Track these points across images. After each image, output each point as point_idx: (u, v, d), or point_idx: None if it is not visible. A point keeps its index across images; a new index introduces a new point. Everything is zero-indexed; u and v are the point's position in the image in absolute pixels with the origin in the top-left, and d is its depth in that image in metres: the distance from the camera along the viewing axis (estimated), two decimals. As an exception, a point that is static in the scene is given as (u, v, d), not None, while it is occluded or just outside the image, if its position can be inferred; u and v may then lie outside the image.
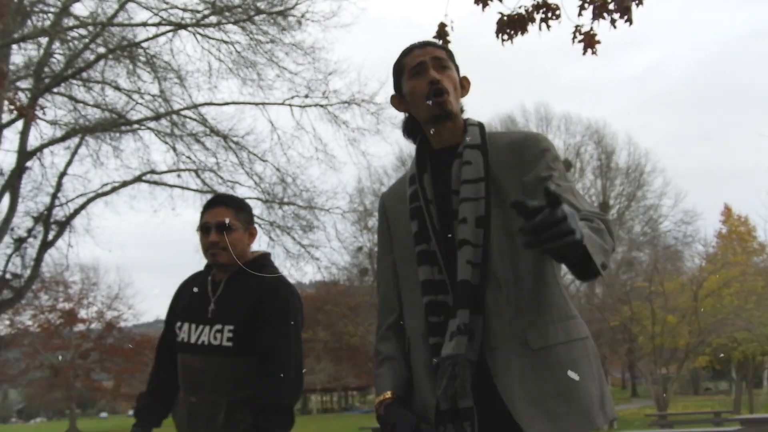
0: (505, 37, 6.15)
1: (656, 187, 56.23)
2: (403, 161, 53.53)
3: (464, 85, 2.48)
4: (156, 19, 16.67)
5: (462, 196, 2.26)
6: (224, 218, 3.24)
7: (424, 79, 2.36)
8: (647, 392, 43.16)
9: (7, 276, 17.23)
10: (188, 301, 3.35)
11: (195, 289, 3.34)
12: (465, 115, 2.47)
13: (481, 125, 2.42)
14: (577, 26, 6.23)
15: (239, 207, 3.34)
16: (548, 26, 6.11)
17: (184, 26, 16.64)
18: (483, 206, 2.23)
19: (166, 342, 3.42)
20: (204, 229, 3.26)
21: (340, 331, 51.50)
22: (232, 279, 3.27)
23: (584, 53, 6.14)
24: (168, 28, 16.75)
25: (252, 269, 3.27)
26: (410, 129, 2.52)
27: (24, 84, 16.91)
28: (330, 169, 20.92)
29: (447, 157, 2.37)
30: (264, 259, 3.38)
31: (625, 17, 5.99)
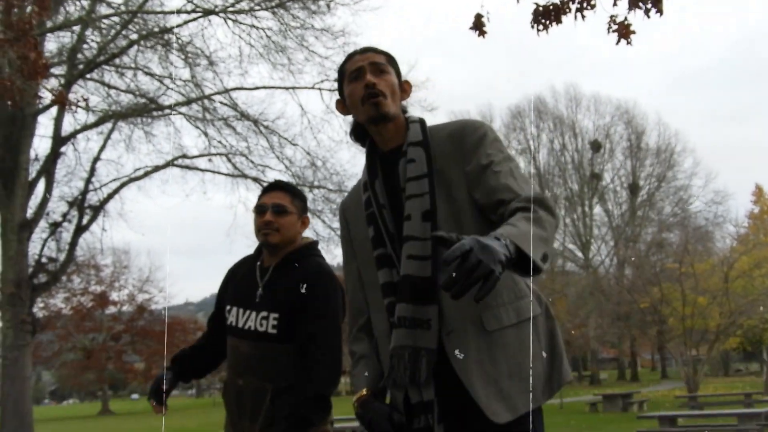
0: (540, 27, 6.16)
1: (686, 167, 55.84)
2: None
3: (405, 88, 2.55)
4: (188, 6, 16.79)
5: (408, 194, 2.34)
6: (281, 201, 3.38)
7: (361, 83, 2.43)
8: (677, 374, 43.03)
9: (43, 260, 17.51)
10: (238, 285, 3.48)
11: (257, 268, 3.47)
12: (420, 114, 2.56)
13: (422, 121, 2.49)
14: (612, 16, 6.22)
15: (295, 194, 3.49)
16: (583, 16, 6.10)
17: (216, 12, 16.73)
18: (428, 201, 2.31)
19: (216, 320, 3.58)
20: (260, 209, 3.39)
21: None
22: (280, 266, 3.38)
23: (618, 43, 6.14)
24: (199, 14, 16.86)
25: (299, 256, 3.39)
26: (357, 133, 2.61)
27: (58, 70, 17.13)
28: (359, 152, 20.93)
29: (394, 157, 2.45)
30: (312, 247, 3.50)
31: (656, 8, 5.97)
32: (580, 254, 54.72)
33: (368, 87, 2.41)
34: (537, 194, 2.19)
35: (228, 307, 3.44)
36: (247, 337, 3.30)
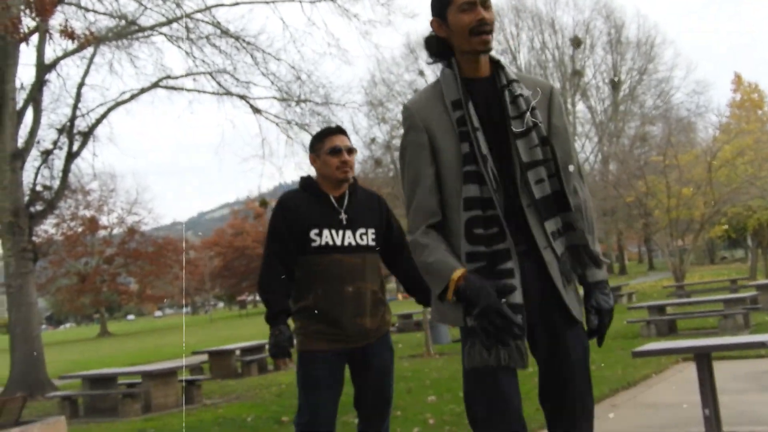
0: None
1: (667, 59, 56.03)
2: (411, 49, 53.06)
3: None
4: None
5: (529, 123, 2.66)
6: (350, 144, 4.11)
7: (474, 15, 2.64)
8: (664, 265, 43.91)
9: (38, 188, 17.65)
10: (315, 213, 4.04)
11: (334, 200, 4.09)
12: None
13: (504, 65, 2.80)
14: None
15: (348, 135, 4.18)
16: None
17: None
18: (542, 128, 2.67)
19: (293, 249, 4.03)
20: (336, 151, 4.05)
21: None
22: (352, 194, 4.13)
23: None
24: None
25: (356, 186, 4.20)
26: (439, 51, 2.79)
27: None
28: (344, 63, 20.99)
29: (485, 87, 2.72)
30: (357, 180, 4.25)
31: None
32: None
33: (483, 23, 2.64)
34: (580, 172, 2.80)
35: (316, 231, 4.00)
36: (351, 251, 4.02)
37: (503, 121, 2.68)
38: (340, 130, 4.17)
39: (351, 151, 4.10)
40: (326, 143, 4.10)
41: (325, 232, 4.00)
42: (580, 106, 56.91)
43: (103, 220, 63.93)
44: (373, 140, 51.19)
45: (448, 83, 2.72)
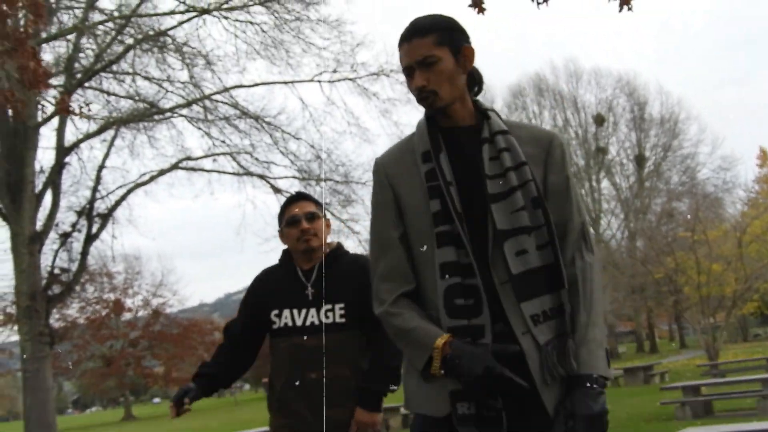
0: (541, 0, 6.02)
1: (692, 134, 55.53)
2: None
3: (466, 55, 2.41)
4: (182, 7, 16.71)
5: (515, 183, 2.31)
6: (309, 209, 3.71)
7: (412, 85, 2.38)
8: (696, 343, 42.93)
9: (56, 271, 17.52)
10: (280, 290, 3.69)
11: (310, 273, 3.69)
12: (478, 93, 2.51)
13: (495, 111, 2.48)
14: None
15: (316, 201, 3.80)
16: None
17: (209, 11, 16.65)
18: (534, 188, 2.31)
19: (243, 326, 3.76)
20: (294, 220, 3.69)
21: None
22: (331, 264, 3.69)
23: (620, 10, 6.02)
24: (193, 14, 16.77)
25: (336, 255, 3.74)
26: None
27: (56, 81, 17.10)
28: (364, 141, 20.97)
29: (464, 137, 2.41)
30: (341, 246, 3.83)
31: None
32: (590, 229, 54.59)
33: (419, 91, 2.36)
34: (583, 237, 2.40)
35: (276, 312, 3.65)
36: (314, 331, 3.55)
37: (480, 179, 2.33)
38: (300, 197, 3.82)
39: (313, 216, 3.70)
40: (285, 215, 3.76)
41: (285, 312, 3.64)
42: (605, 183, 56.60)
43: (128, 302, 63.87)
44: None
45: (420, 133, 2.43)
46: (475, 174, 2.34)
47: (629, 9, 6.05)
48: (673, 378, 24.58)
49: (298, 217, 3.68)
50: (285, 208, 3.79)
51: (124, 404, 68.69)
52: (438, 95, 2.36)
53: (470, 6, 5.29)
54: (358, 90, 18.60)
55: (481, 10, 5.33)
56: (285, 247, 3.84)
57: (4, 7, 5.17)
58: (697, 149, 55.17)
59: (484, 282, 2.25)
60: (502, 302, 2.24)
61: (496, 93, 53.29)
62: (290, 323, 3.61)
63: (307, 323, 3.58)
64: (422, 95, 2.36)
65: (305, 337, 3.56)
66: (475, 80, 2.49)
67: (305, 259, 3.70)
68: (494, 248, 2.27)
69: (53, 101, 6.28)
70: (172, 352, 63.46)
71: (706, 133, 58.59)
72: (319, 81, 18.22)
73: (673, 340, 72.56)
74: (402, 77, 18.72)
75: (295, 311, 3.62)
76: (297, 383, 3.54)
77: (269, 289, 3.73)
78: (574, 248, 2.36)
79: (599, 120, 55.21)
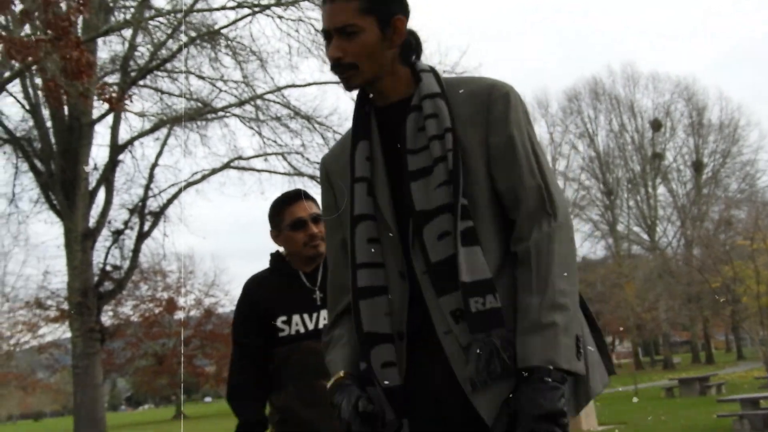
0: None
1: (752, 141, 54.44)
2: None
3: (397, 27, 2.03)
4: (231, 3, 16.72)
5: (435, 155, 1.94)
6: (315, 210, 3.40)
7: (329, 52, 2.04)
8: (754, 354, 41.94)
9: (108, 268, 17.66)
10: (284, 296, 3.39)
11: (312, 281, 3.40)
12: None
13: (434, 71, 2.09)
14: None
15: (315, 200, 3.47)
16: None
17: (267, 6, 16.54)
18: (451, 160, 1.91)
19: (260, 344, 3.39)
20: (300, 223, 3.38)
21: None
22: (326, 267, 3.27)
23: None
24: (246, 11, 16.76)
25: None
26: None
27: (112, 78, 17.25)
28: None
29: (395, 113, 2.04)
30: None
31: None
32: (645, 236, 53.71)
33: (333, 63, 2.02)
34: (541, 203, 1.92)
35: (284, 318, 3.36)
36: None
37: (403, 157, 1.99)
38: (301, 196, 3.48)
39: (317, 219, 3.38)
40: (286, 216, 3.42)
41: (295, 318, 3.34)
42: (661, 190, 55.66)
43: (181, 301, 64.50)
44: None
45: (354, 117, 2.11)
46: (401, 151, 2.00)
47: None
48: (731, 390, 23.95)
49: (305, 220, 3.38)
50: (284, 207, 3.45)
51: (175, 402, 69.52)
52: (357, 69, 2.00)
53: None
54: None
55: None
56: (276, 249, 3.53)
57: (49, -5, 5.12)
58: (757, 156, 54.07)
59: (403, 277, 1.96)
60: (424, 297, 1.92)
61: (551, 96, 52.81)
62: (302, 329, 3.34)
63: (320, 327, 3.30)
64: (337, 69, 2.02)
65: (318, 342, 3.32)
66: (411, 47, 2.10)
67: (306, 262, 3.41)
68: (415, 234, 1.94)
69: (107, 97, 6.23)
70: (223, 352, 63.93)
71: (767, 139, 57.31)
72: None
73: (730, 350, 71.11)
74: (455, 76, 18.63)
75: (306, 316, 3.34)
76: (309, 392, 3.28)
77: (270, 296, 3.42)
78: (529, 219, 1.91)
79: (656, 125, 54.35)
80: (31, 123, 16.93)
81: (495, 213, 1.96)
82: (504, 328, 1.83)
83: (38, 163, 16.91)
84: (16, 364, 41.91)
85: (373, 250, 1.97)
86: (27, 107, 16.45)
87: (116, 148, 17.46)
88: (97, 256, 17.34)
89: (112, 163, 17.45)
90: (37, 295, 30.22)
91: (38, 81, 12.28)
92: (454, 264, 1.86)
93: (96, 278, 17.01)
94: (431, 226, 1.91)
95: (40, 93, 13.51)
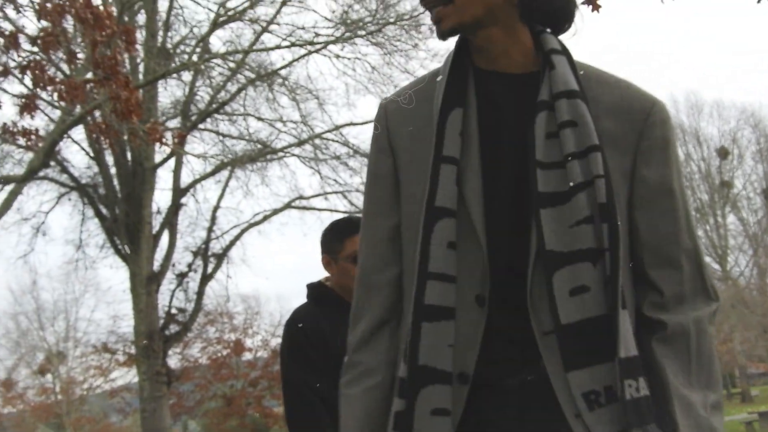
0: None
1: (825, 166, 52.90)
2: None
3: None
4: (288, 43, 16.86)
5: (574, 180, 1.43)
6: None
7: None
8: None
9: (173, 311, 17.79)
10: (340, 328, 3.10)
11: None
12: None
13: (567, 53, 1.52)
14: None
15: None
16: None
17: (326, 43, 16.62)
18: (604, 191, 1.41)
19: (315, 377, 3.04)
20: None
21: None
22: None
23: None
24: (302, 51, 16.88)
25: None
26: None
27: (173, 123, 17.52)
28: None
29: (506, 91, 1.52)
30: None
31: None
32: (717, 266, 52.40)
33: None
34: (700, 274, 1.53)
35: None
36: None
37: (524, 164, 1.46)
38: None
39: None
40: (347, 245, 3.09)
41: None
42: (731, 218, 54.41)
43: (248, 342, 64.85)
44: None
45: (444, 72, 1.55)
46: (517, 156, 1.47)
47: None
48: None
49: None
50: (346, 236, 3.13)
51: (242, 444, 69.70)
52: (453, 4, 1.47)
53: (583, 3, 4.84)
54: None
55: (596, 8, 4.84)
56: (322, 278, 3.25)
57: (96, 36, 5.16)
58: (831, 181, 52.60)
59: (482, 303, 1.46)
60: (546, 366, 1.43)
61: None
62: None
63: None
64: (426, 4, 1.52)
65: None
66: (540, 5, 1.52)
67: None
68: (535, 279, 1.43)
69: (157, 137, 6.28)
70: (291, 393, 63.89)
71: (840, 165, 55.69)
72: (430, 117, 18.02)
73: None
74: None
75: None
76: None
77: (325, 329, 3.08)
78: (683, 289, 1.49)
79: (723, 153, 53.32)
80: (95, 169, 17.22)
81: (627, 266, 1.49)
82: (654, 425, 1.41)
83: (103, 209, 17.17)
84: (89, 408, 42.40)
85: (451, 259, 1.44)
86: (91, 154, 16.75)
87: (179, 192, 17.65)
88: (162, 299, 17.51)
89: (175, 207, 17.63)
90: (105, 339, 30.66)
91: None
92: (593, 330, 1.40)
93: (161, 321, 17.13)
94: (563, 273, 1.41)
95: (102, 137, 13.78)
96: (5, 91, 10.64)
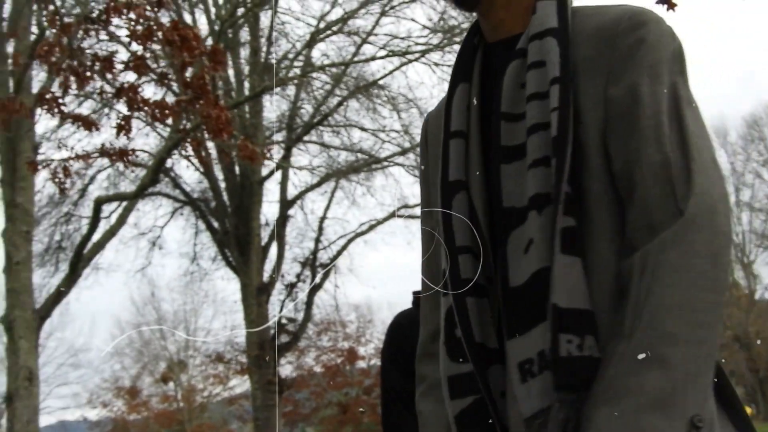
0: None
1: None
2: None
3: None
4: (384, 53, 16.96)
5: (529, 122, 1.29)
6: None
7: None
8: None
9: (283, 321, 18.08)
10: None
11: None
12: None
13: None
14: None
15: None
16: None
17: (423, 52, 16.64)
18: (556, 124, 1.24)
19: (408, 394, 2.93)
20: None
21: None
22: None
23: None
24: (401, 60, 16.94)
25: None
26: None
27: (279, 136, 17.85)
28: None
29: (503, 53, 1.41)
30: None
31: None
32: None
33: None
34: (666, 189, 1.18)
35: None
36: None
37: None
38: None
39: None
40: None
41: None
42: None
43: (361, 351, 65.39)
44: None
45: (458, 53, 1.52)
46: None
47: None
48: None
49: None
50: None
51: (361, 451, 70.21)
52: None
53: (658, 2, 4.67)
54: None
55: (671, 6, 4.66)
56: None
57: (185, 56, 5.31)
58: None
59: (490, 300, 1.32)
60: (503, 329, 1.28)
61: (729, 124, 50.38)
62: None
63: None
64: None
65: None
66: None
67: None
68: (500, 241, 1.30)
69: (247, 153, 6.40)
70: (406, 400, 64.07)
71: None
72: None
73: None
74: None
75: None
76: None
77: None
78: (642, 216, 1.19)
79: None
80: (205, 184, 17.70)
81: (613, 211, 1.24)
82: None
83: (214, 222, 17.62)
84: (209, 416, 43.50)
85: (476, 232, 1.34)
86: (201, 169, 17.22)
87: (286, 204, 17.97)
88: (272, 310, 17.81)
89: (283, 218, 17.95)
90: (219, 349, 31.40)
91: (209, 143, 12.87)
92: (537, 287, 1.21)
93: (272, 331, 17.43)
94: (520, 232, 1.26)
95: (212, 153, 14.19)
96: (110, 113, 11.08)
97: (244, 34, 17.22)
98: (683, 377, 1.07)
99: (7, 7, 11.21)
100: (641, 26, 1.29)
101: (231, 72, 17.15)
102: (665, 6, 4.44)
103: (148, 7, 5.47)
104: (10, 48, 11.05)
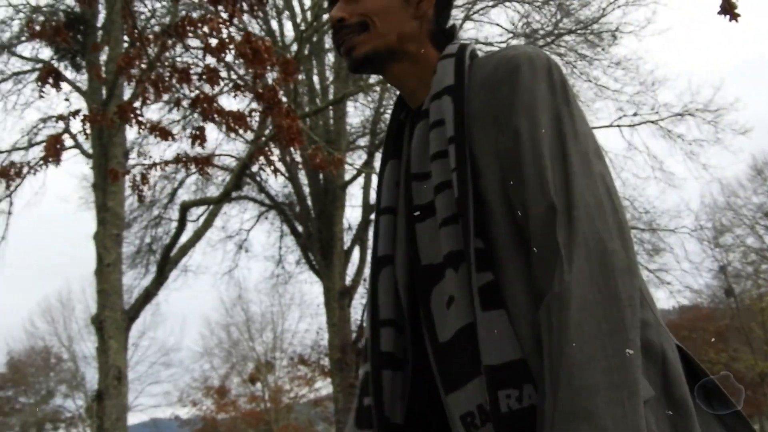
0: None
1: None
2: (758, 170, 49.17)
3: None
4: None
5: (435, 181, 1.34)
6: None
7: (332, 15, 1.49)
8: None
9: (365, 325, 18.23)
10: None
11: None
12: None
13: (460, 53, 1.42)
14: None
15: None
16: None
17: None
18: (456, 184, 1.29)
19: None
20: None
21: (701, 359, 48.19)
22: None
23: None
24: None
25: None
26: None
27: (362, 141, 18.02)
28: (669, 186, 19.93)
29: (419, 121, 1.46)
30: None
31: None
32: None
33: (335, 30, 1.49)
34: (551, 238, 1.20)
35: None
36: None
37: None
38: None
39: None
40: None
41: None
42: None
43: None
44: (722, 269, 47.72)
45: (387, 127, 1.60)
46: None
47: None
48: None
49: None
50: None
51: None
52: (367, 31, 1.45)
53: (720, 13, 4.56)
54: (660, 132, 17.66)
55: (734, 17, 4.54)
56: None
57: (257, 69, 5.45)
58: None
59: (398, 366, 1.40)
60: (440, 390, 1.32)
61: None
62: None
63: None
64: (339, 34, 1.47)
65: None
66: (445, 29, 1.53)
67: None
68: (422, 298, 1.36)
69: (317, 162, 6.52)
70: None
71: None
72: (619, 125, 17.52)
73: None
74: (708, 116, 17.56)
75: None
76: None
77: None
78: (540, 266, 1.20)
79: None
80: (290, 188, 17.97)
81: (526, 257, 1.25)
82: None
83: (298, 226, 17.87)
84: (296, 417, 44.12)
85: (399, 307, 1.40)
86: (286, 175, 17.49)
87: (368, 208, 18.09)
88: (355, 313, 17.97)
89: (365, 223, 18.07)
90: (306, 351, 31.79)
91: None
92: (465, 342, 1.24)
93: (354, 335, 17.57)
94: (440, 288, 1.31)
95: (298, 159, 14.42)
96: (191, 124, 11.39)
97: (329, 40, 17.44)
98: (612, 424, 1.08)
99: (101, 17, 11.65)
100: (515, 72, 1.30)
101: (315, 78, 17.39)
102: (728, 17, 4.34)
103: (224, 16, 5.63)
104: (103, 57, 11.48)
